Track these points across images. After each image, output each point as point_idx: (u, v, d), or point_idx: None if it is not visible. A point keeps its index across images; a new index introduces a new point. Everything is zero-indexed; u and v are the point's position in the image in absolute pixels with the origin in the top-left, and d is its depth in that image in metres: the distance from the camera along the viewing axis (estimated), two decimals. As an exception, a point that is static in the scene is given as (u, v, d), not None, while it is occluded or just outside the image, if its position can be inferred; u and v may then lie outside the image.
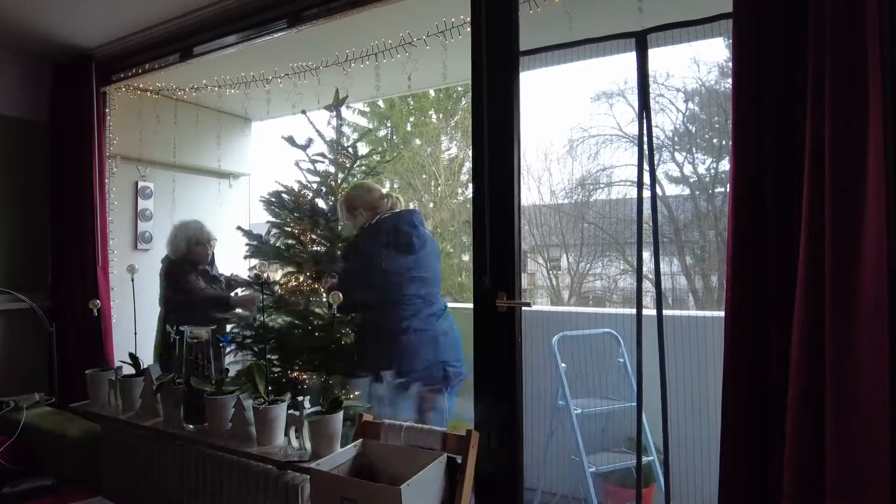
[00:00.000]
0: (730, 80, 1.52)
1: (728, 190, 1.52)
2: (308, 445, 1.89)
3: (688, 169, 5.40)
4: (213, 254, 3.41)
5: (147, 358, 2.55)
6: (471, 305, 1.95)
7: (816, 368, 1.32)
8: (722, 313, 1.51)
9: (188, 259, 3.26)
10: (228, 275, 3.40)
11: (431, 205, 7.64)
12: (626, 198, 5.29)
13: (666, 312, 1.83)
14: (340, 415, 1.89)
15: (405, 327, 2.34)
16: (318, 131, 3.09)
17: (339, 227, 2.95)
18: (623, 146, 5.41)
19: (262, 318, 2.79)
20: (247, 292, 3.14)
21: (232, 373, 2.41)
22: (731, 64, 1.51)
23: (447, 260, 7.33)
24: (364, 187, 2.71)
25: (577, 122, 5.64)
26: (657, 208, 1.95)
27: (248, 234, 3.15)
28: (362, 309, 2.44)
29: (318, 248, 2.98)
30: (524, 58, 1.90)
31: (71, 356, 3.13)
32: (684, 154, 5.32)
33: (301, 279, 2.99)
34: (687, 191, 5.28)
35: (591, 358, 2.72)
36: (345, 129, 3.14)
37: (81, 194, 3.11)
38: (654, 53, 1.76)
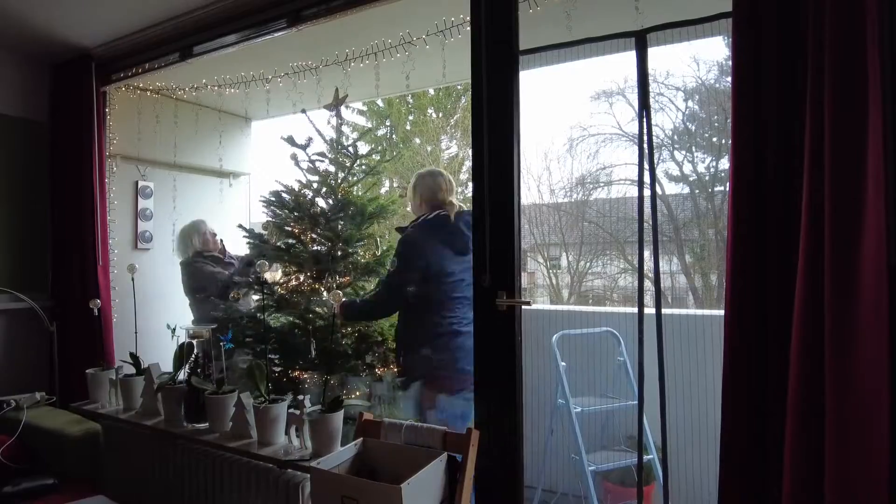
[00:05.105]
0: (729, 79, 1.52)
1: (728, 188, 1.52)
2: (309, 444, 1.89)
3: (687, 168, 5.41)
4: (222, 243, 3.49)
5: (147, 357, 2.55)
6: (471, 304, 1.95)
7: (816, 366, 1.32)
8: (721, 312, 1.51)
9: (197, 252, 3.41)
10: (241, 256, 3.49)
11: (431, 204, 7.62)
12: (626, 196, 5.29)
13: (665, 311, 1.83)
14: (341, 414, 1.89)
15: (458, 330, 2.35)
16: (318, 130, 3.09)
17: (339, 226, 2.95)
18: (623, 145, 5.41)
19: (262, 317, 2.79)
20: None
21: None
22: (730, 62, 1.51)
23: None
24: (432, 174, 2.63)
25: (577, 121, 5.65)
26: (657, 207, 1.96)
27: (250, 232, 3.16)
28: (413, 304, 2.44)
29: (319, 248, 2.98)
30: (524, 57, 1.90)
31: (71, 356, 3.13)
32: (684, 153, 5.33)
33: (301, 279, 2.99)
34: (687, 189, 5.29)
35: (591, 356, 2.73)
36: (344, 128, 3.14)
37: (81, 194, 3.11)
38: (653, 52, 1.76)
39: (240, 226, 3.37)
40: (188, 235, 3.44)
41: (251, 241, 3.14)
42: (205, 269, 3.30)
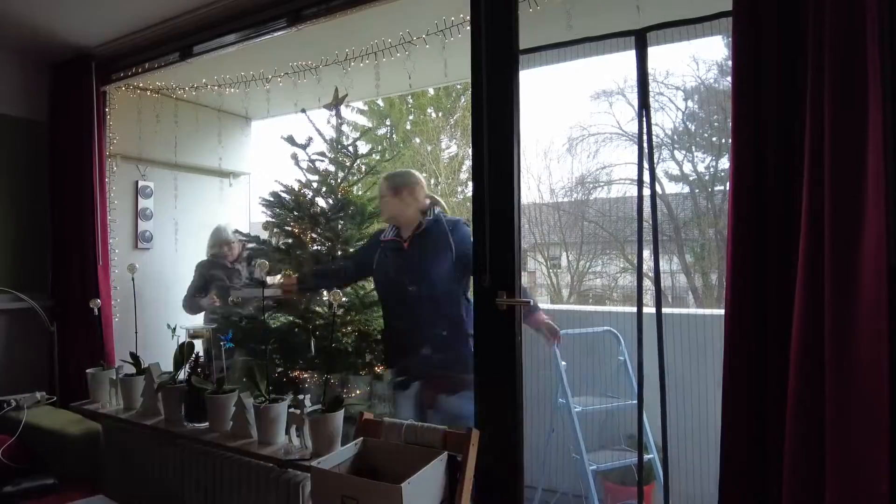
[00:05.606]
0: (729, 79, 1.52)
1: (728, 188, 1.52)
2: (309, 444, 1.89)
3: (687, 167, 5.41)
4: (240, 251, 3.62)
5: (148, 356, 2.55)
6: (471, 304, 1.95)
7: (816, 366, 1.32)
8: (721, 311, 1.51)
9: (215, 257, 3.58)
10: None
11: (431, 203, 7.62)
12: (626, 196, 5.30)
13: (665, 310, 1.83)
14: (341, 413, 1.89)
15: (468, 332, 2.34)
16: (317, 130, 3.09)
17: (339, 226, 2.95)
18: (622, 144, 5.42)
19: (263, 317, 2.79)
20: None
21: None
22: (730, 62, 1.51)
23: (447, 258, 7.32)
24: (414, 177, 2.63)
25: (577, 121, 5.64)
26: (657, 206, 1.95)
27: (247, 237, 3.18)
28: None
29: (319, 248, 2.99)
30: (524, 56, 1.90)
31: (72, 355, 3.13)
32: (684, 152, 5.33)
33: (301, 278, 2.99)
34: (686, 189, 5.29)
35: (592, 356, 2.73)
36: (344, 127, 3.15)
37: (82, 193, 3.11)
38: (653, 52, 1.76)
39: (237, 231, 3.41)
40: (216, 238, 3.59)
41: (250, 243, 3.16)
42: (211, 272, 3.44)
